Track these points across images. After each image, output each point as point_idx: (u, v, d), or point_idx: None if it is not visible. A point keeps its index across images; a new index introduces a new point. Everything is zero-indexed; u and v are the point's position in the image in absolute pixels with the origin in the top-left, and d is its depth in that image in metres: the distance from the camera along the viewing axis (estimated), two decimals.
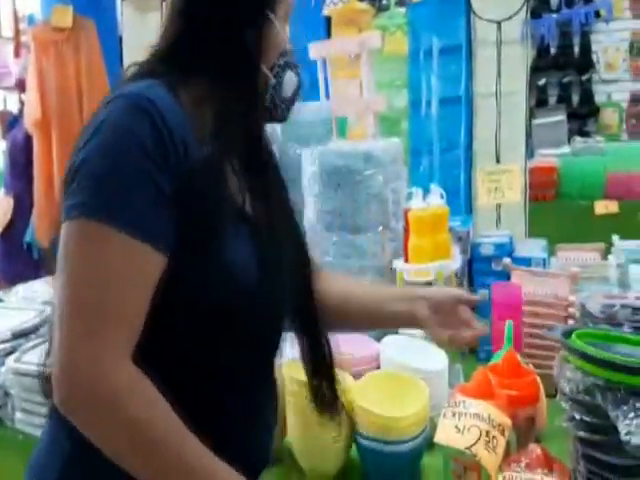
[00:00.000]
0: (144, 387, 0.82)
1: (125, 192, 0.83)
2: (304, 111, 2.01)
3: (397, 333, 1.68)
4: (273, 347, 1.07)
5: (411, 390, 1.43)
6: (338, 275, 1.28)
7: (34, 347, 1.72)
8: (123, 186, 0.83)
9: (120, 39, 3.47)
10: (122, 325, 0.82)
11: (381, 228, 1.77)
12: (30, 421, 1.65)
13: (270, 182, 1.02)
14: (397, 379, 1.46)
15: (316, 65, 2.29)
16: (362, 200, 1.74)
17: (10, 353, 1.71)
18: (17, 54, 4.43)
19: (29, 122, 3.37)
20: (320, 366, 1.18)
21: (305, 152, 1.81)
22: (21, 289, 2.09)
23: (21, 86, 3.55)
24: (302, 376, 1.41)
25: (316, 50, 2.24)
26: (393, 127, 3.11)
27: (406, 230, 1.71)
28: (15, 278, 3.55)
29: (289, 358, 1.52)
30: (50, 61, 3.29)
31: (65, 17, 3.31)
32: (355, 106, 2.27)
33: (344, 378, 1.46)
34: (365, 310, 1.21)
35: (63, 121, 3.31)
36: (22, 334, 1.78)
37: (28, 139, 3.43)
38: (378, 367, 1.55)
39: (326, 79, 2.31)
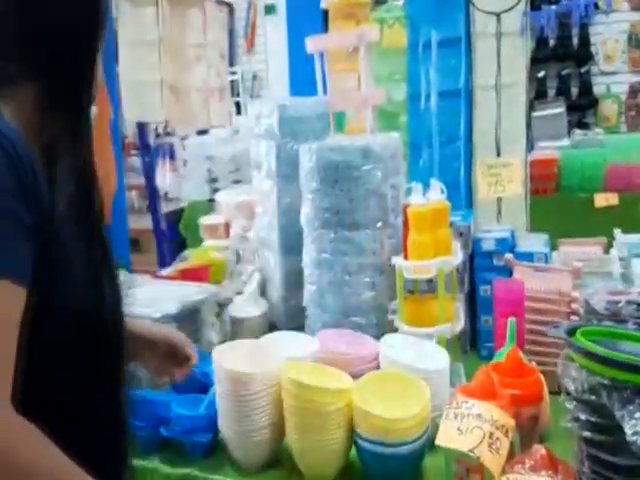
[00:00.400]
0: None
1: None
2: (301, 106, 1.97)
3: (397, 332, 1.64)
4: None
5: (412, 390, 1.39)
6: None
7: None
8: None
9: (115, 34, 3.42)
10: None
11: (380, 224, 1.73)
12: None
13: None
14: (397, 379, 1.42)
15: (313, 59, 2.25)
16: (360, 196, 1.70)
17: None
18: None
19: None
20: None
21: (302, 148, 1.77)
22: None
23: None
24: (300, 377, 1.39)
25: (313, 44, 2.19)
26: (392, 121, 3.07)
27: (405, 226, 1.67)
28: None
29: (287, 358, 1.50)
30: None
31: None
32: (353, 100, 2.23)
33: (344, 378, 1.44)
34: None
35: None
36: None
37: None
38: (378, 367, 1.51)
39: (323, 73, 2.27)
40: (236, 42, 5.27)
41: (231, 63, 4.88)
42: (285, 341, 1.62)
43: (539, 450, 1.23)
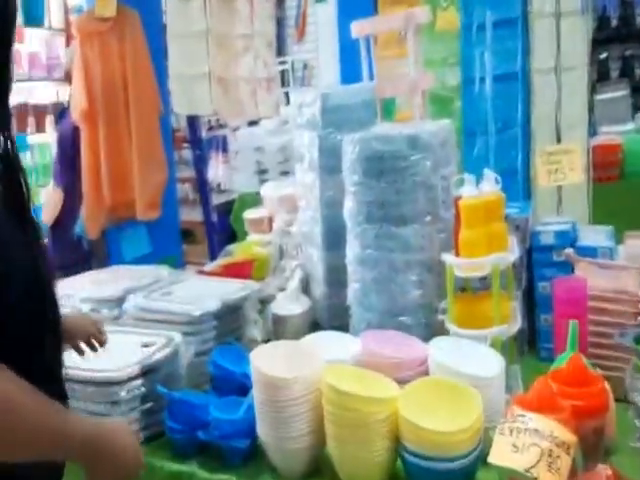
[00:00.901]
0: None
1: None
2: (345, 94, 1.85)
3: (447, 334, 1.52)
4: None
5: (463, 400, 1.27)
6: None
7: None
8: None
9: (164, 28, 3.37)
10: None
11: (429, 218, 1.60)
12: None
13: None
14: (447, 387, 1.30)
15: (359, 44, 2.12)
16: (407, 188, 1.58)
17: None
18: (68, 45, 4.40)
19: (75, 113, 3.30)
20: None
21: (345, 138, 1.66)
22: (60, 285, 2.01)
23: (69, 77, 3.50)
24: (341, 383, 1.28)
25: (358, 27, 2.07)
26: (446, 107, 2.92)
27: (457, 220, 1.54)
28: (66, 270, 3.54)
29: (327, 361, 1.40)
30: (95, 51, 3.21)
31: (109, 7, 3.22)
32: (401, 85, 2.10)
33: (388, 385, 1.33)
34: None
35: (109, 111, 3.23)
36: None
37: (76, 130, 3.37)
38: (426, 372, 1.39)
39: (370, 59, 2.14)
40: (286, 32, 5.17)
41: (281, 53, 4.80)
42: (326, 342, 1.52)
43: (604, 471, 1.09)
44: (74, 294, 1.93)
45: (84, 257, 3.57)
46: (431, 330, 1.57)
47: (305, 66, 5.02)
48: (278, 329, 1.83)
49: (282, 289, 1.93)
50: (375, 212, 1.62)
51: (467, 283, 1.61)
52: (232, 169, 4.95)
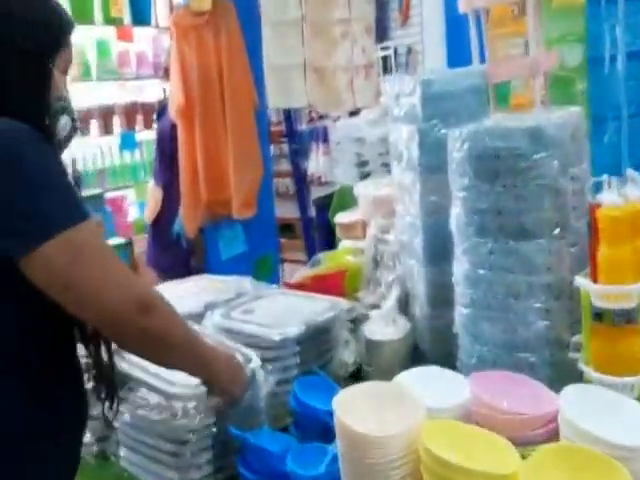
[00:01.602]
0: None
1: None
2: (451, 80, 1.52)
3: (581, 378, 1.17)
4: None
5: (607, 477, 0.94)
6: None
7: None
8: None
9: (259, 18, 3.15)
10: None
11: (557, 231, 1.25)
12: (135, 460, 1.38)
13: None
14: (585, 458, 0.97)
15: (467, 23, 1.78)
16: (530, 194, 1.24)
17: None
18: None
19: (173, 110, 3.17)
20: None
21: (451, 132, 1.34)
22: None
23: (168, 74, 3.36)
24: (444, 448, 0.99)
25: (467, 3, 1.72)
26: (566, 90, 2.50)
27: (593, 233, 1.19)
28: (166, 268, 3.43)
29: (428, 410, 1.10)
30: (191, 46, 3.05)
31: (204, 1, 3.04)
32: (518, 67, 1.74)
33: (505, 452, 1.01)
34: None
35: (205, 107, 3.07)
36: None
37: (174, 128, 3.23)
38: (555, 433, 1.06)
39: (480, 38, 1.79)
40: (389, 16, 4.82)
41: (383, 38, 4.46)
42: (426, 381, 1.22)
43: None
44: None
45: (183, 255, 3.45)
46: (559, 371, 1.23)
47: (409, 51, 4.65)
48: (372, 355, 1.55)
49: (376, 306, 1.64)
50: (489, 223, 1.29)
51: (607, 314, 1.25)
52: (332, 161, 4.72)
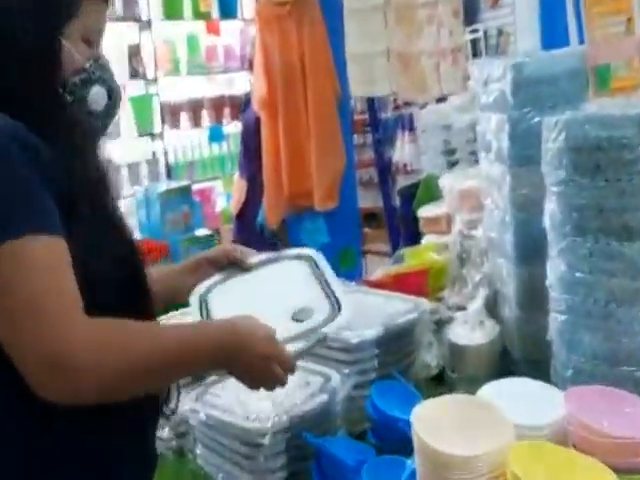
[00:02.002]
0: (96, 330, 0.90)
1: None
2: (545, 63, 1.37)
3: None
4: None
5: None
6: None
7: None
8: None
9: (341, 6, 3.05)
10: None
11: None
12: (211, 459, 1.35)
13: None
14: None
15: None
16: (636, 189, 1.09)
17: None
18: None
19: (256, 102, 3.15)
20: None
21: (546, 121, 1.20)
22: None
23: (252, 66, 3.35)
24: (534, 478, 0.88)
25: None
26: None
27: None
28: None
29: (517, 427, 0.99)
30: (274, 37, 3.01)
31: None
32: (621, 48, 1.56)
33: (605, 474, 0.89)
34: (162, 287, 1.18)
35: (287, 98, 3.03)
36: None
37: (258, 121, 3.22)
38: None
39: (579, 17, 1.63)
40: None
41: (472, 21, 4.25)
42: (517, 394, 1.10)
43: None
44: None
45: (267, 247, 3.43)
46: None
47: (500, 33, 4.41)
48: (456, 360, 1.44)
49: (462, 307, 1.52)
50: (589, 221, 1.14)
51: None
52: (418, 149, 4.57)
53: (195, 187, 5.05)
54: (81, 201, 0.97)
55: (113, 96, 1.07)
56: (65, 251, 0.91)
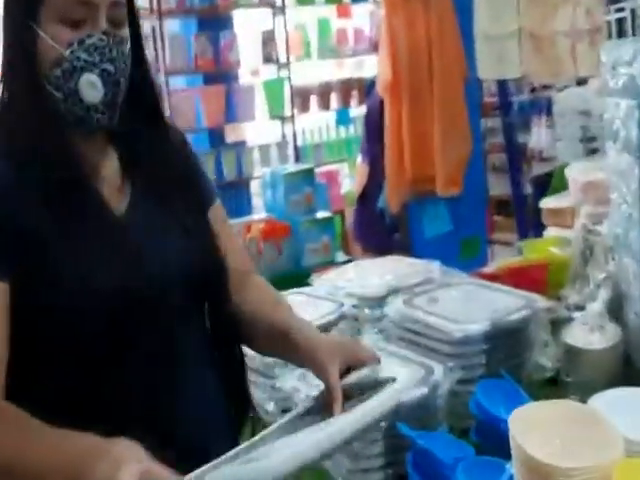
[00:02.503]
0: None
1: None
2: None
3: None
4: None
5: None
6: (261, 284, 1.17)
7: None
8: None
9: None
10: None
11: None
12: None
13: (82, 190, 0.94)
14: None
15: None
16: None
17: None
18: None
19: (380, 85, 3.12)
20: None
21: None
22: (333, 274, 1.82)
23: (376, 48, 3.32)
24: None
25: None
26: None
27: None
28: (371, 243, 3.45)
29: (626, 442, 0.91)
30: (400, 20, 2.95)
31: None
32: None
33: None
34: (270, 330, 1.08)
35: (412, 82, 2.97)
36: None
37: (382, 104, 3.19)
38: None
39: None
40: None
41: None
42: (633, 407, 1.02)
43: None
44: (343, 286, 1.71)
45: (387, 231, 3.43)
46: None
47: None
48: (571, 364, 1.35)
49: (582, 308, 1.42)
50: None
51: None
52: (555, 135, 4.30)
53: (322, 169, 5.15)
54: (46, 227, 0.88)
55: (109, 80, 0.92)
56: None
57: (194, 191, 1.07)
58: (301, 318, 1.11)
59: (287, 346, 1.04)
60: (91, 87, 0.91)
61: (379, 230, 3.38)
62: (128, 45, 0.96)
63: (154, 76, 1.07)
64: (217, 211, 1.13)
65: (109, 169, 1.00)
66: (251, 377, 1.50)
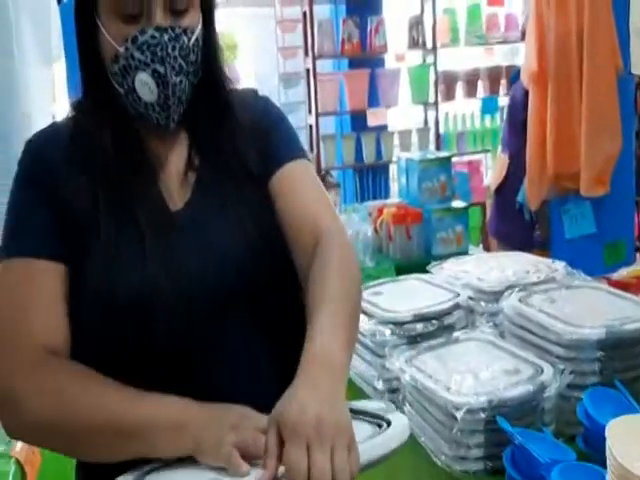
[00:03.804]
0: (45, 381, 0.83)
1: None
2: None
3: None
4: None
5: None
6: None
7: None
8: None
9: None
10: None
11: None
12: (415, 420, 1.41)
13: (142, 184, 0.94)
14: None
15: None
16: None
17: (412, 337, 1.51)
18: None
19: (525, 75, 3.02)
20: None
21: None
22: (453, 265, 1.84)
23: (524, 37, 3.21)
24: None
25: None
26: None
27: None
28: (507, 237, 3.38)
29: None
30: (551, 9, 2.83)
31: None
32: None
33: None
34: None
35: (560, 76, 2.85)
36: (423, 318, 1.53)
37: (527, 94, 3.09)
38: None
39: None
40: None
41: None
42: None
43: None
44: (461, 277, 1.73)
45: (525, 227, 3.34)
46: None
47: None
48: None
49: None
50: None
51: None
52: None
53: (464, 158, 5.06)
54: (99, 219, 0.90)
55: (161, 82, 0.89)
56: (44, 274, 0.88)
57: (261, 188, 1.00)
58: (321, 333, 0.87)
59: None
60: (145, 86, 0.90)
61: (517, 226, 3.31)
62: (194, 35, 0.92)
63: (222, 62, 1.01)
64: (292, 171, 1.02)
65: (177, 164, 0.99)
66: (362, 354, 1.58)
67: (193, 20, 0.92)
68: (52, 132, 0.97)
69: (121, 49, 0.89)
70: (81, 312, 0.89)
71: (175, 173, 0.98)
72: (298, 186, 1.02)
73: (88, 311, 0.88)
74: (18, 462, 1.53)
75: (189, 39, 0.91)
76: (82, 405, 0.83)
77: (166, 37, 0.87)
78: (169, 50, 0.87)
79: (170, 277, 0.89)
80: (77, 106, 0.98)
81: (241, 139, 1.01)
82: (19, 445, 1.56)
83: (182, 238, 0.93)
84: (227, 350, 0.93)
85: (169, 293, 0.88)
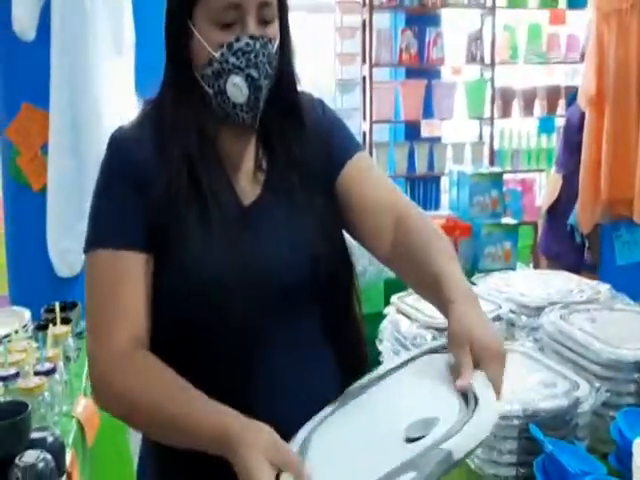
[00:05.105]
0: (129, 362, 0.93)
1: None
2: None
3: None
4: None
5: None
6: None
7: None
8: None
9: None
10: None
11: None
12: None
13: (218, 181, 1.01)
14: None
15: None
16: None
17: None
18: None
19: (583, 98, 3.04)
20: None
21: None
22: (498, 279, 1.89)
23: (584, 59, 3.23)
24: None
25: None
26: None
27: None
28: (557, 257, 3.39)
29: None
30: (612, 32, 2.85)
31: None
32: None
33: None
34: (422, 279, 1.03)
35: (618, 100, 2.86)
36: None
37: (583, 116, 3.12)
38: None
39: None
40: None
41: None
42: None
43: None
44: (505, 291, 1.79)
45: (576, 249, 3.35)
46: None
47: None
48: None
49: None
50: None
51: None
52: None
53: (518, 176, 5.05)
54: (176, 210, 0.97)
55: (253, 84, 0.98)
56: (132, 265, 0.95)
57: (324, 186, 1.09)
58: (453, 271, 0.99)
59: (438, 303, 0.99)
60: (237, 89, 0.99)
61: (568, 247, 3.32)
62: (276, 43, 1.02)
63: (294, 67, 1.09)
64: (359, 162, 1.12)
65: (247, 162, 1.07)
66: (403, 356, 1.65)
67: (275, 29, 1.02)
68: (136, 127, 1.03)
69: (216, 54, 0.97)
70: (162, 295, 0.98)
71: (246, 170, 1.07)
72: (371, 174, 1.12)
73: (169, 292, 0.97)
74: (79, 422, 1.63)
75: (273, 46, 1.01)
76: (145, 402, 0.91)
77: (258, 45, 0.97)
78: (260, 57, 0.97)
79: (246, 263, 0.98)
80: (159, 102, 1.04)
81: (308, 138, 1.09)
82: (81, 405, 1.68)
83: (255, 230, 1.02)
84: (292, 343, 1.03)
85: (246, 276, 0.97)
